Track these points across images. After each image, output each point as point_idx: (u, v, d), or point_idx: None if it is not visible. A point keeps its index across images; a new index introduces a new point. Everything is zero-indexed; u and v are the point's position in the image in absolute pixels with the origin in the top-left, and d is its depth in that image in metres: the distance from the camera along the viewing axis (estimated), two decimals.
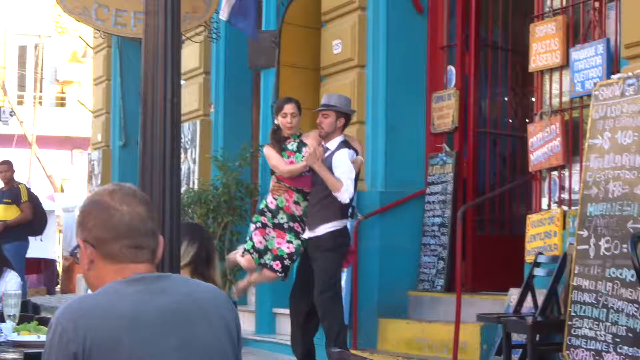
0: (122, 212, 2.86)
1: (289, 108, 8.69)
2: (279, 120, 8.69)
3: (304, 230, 8.52)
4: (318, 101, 10.80)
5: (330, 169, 8.33)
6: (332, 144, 8.47)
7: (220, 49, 12.98)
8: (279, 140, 8.69)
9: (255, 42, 11.22)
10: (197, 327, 2.83)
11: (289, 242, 8.57)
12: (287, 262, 8.59)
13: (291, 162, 8.57)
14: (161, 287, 2.84)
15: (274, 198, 8.61)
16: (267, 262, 8.59)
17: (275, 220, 8.59)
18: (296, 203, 8.57)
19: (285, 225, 8.57)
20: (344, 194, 8.26)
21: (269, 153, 8.72)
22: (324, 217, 8.35)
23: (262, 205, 8.78)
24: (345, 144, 8.49)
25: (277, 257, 8.58)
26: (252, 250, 8.60)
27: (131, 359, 2.71)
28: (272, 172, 8.77)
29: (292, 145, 8.65)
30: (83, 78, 29.71)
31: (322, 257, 8.32)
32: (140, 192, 2.98)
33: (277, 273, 8.61)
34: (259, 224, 8.62)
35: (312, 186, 8.54)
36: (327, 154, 8.43)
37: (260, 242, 8.59)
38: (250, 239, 8.64)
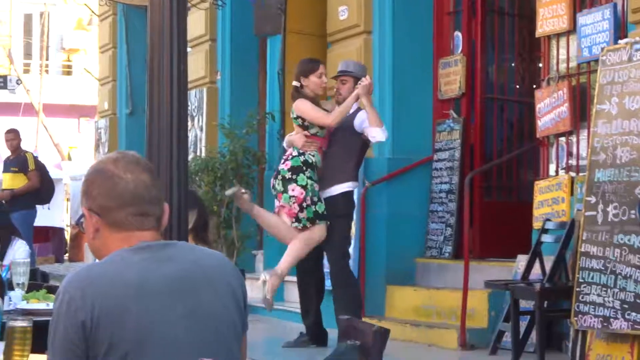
0: (127, 180, 2.85)
1: (323, 68, 8.59)
2: (311, 81, 8.43)
3: None
4: (325, 68, 10.78)
5: (350, 128, 8.35)
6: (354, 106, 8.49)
7: (226, 16, 12.93)
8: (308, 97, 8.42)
9: (258, 7, 11.19)
10: (203, 295, 2.83)
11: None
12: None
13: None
14: (167, 255, 2.84)
15: (311, 154, 8.29)
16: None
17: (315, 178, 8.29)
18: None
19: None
20: (384, 132, 8.30)
21: (305, 106, 8.35)
22: (340, 177, 8.33)
23: (297, 162, 8.28)
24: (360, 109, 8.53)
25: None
26: (305, 217, 8.21)
27: (138, 327, 2.71)
28: (304, 127, 8.37)
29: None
30: (89, 46, 29.66)
31: (337, 222, 8.29)
32: (144, 159, 2.97)
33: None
34: (299, 189, 8.21)
35: (328, 146, 8.46)
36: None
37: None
38: (318, 200, 8.24)
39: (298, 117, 8.41)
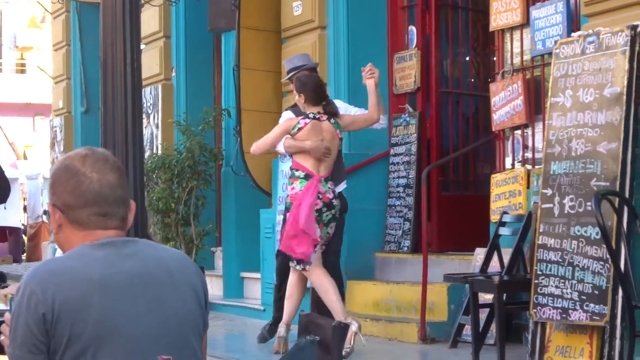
0: (92, 180, 2.84)
1: None
2: None
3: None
4: (279, 63, 10.75)
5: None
6: None
7: (180, 12, 12.87)
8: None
9: (212, 3, 11.14)
10: (165, 292, 2.83)
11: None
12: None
13: None
14: (129, 252, 2.84)
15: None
16: None
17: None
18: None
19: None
20: (383, 120, 8.43)
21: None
22: (342, 174, 8.27)
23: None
24: None
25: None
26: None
27: (100, 321, 2.71)
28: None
29: None
30: (42, 44, 29.43)
31: (340, 218, 8.22)
32: (113, 157, 2.95)
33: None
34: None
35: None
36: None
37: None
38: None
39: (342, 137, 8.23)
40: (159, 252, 2.93)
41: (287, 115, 8.37)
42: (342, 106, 8.46)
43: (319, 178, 7.88)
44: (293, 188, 7.92)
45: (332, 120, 8.02)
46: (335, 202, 7.94)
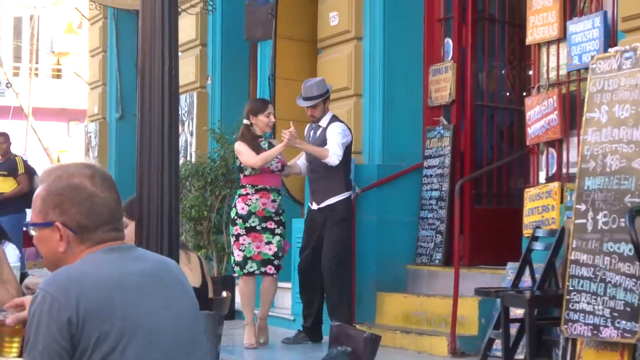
0: (105, 200, 2.94)
1: (271, 108, 9.17)
2: (259, 120, 9.01)
3: (278, 225, 8.95)
4: (315, 73, 10.78)
5: (321, 143, 8.86)
6: (324, 121, 9.03)
7: (217, 21, 12.93)
8: (255, 138, 8.98)
9: (249, 12, 11.19)
10: (173, 290, 2.95)
11: (269, 242, 8.93)
12: (276, 262, 8.97)
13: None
14: (136, 255, 2.96)
15: (245, 204, 8.90)
16: (253, 270, 8.91)
17: (247, 225, 8.90)
18: (273, 201, 8.99)
19: (258, 227, 8.92)
20: (332, 158, 8.80)
21: (241, 148, 8.93)
22: (332, 189, 8.87)
23: (232, 214, 9.03)
24: (336, 118, 9.09)
25: (265, 262, 8.94)
26: (234, 266, 8.98)
27: (125, 318, 2.79)
28: (240, 171, 9.07)
29: (264, 144, 9.10)
30: (79, 49, 29.61)
31: (337, 226, 8.88)
32: (109, 173, 3.06)
33: (273, 275, 9.00)
34: (233, 238, 8.97)
35: (310, 162, 9.00)
36: (319, 131, 9.00)
37: (239, 255, 8.93)
38: (231, 254, 9.04)
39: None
40: (157, 256, 3.08)
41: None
42: (330, 134, 8.96)
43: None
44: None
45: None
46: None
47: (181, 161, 12.40)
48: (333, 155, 8.79)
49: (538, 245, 7.79)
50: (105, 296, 2.79)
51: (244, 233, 8.90)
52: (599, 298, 6.77)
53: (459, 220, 8.92)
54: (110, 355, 2.76)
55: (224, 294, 11.42)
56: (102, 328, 2.75)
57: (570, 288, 6.98)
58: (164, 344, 2.85)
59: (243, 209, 8.92)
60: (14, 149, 14.48)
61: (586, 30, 7.85)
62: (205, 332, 3.79)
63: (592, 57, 7.42)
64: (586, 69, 7.58)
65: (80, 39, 28.69)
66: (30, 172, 14.09)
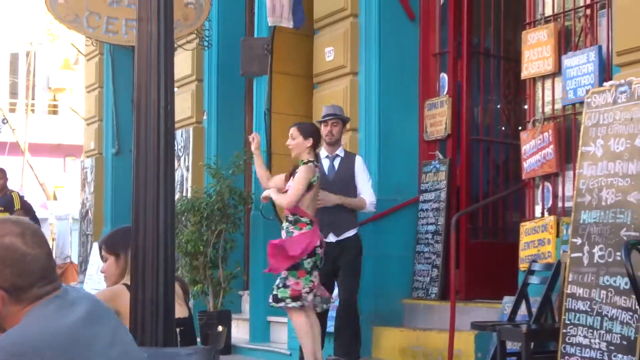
0: (37, 256, 2.89)
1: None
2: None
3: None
4: (311, 109, 10.82)
5: (345, 174, 8.87)
6: (340, 151, 9.08)
7: (213, 56, 12.98)
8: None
9: (245, 47, 11.24)
10: (109, 323, 2.96)
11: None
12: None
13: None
14: (71, 300, 2.92)
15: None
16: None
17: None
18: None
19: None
20: (370, 207, 8.99)
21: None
22: (350, 221, 8.88)
23: (317, 259, 8.30)
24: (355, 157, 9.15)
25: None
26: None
27: None
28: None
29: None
30: (75, 85, 29.67)
31: (355, 259, 8.84)
32: (37, 227, 3.01)
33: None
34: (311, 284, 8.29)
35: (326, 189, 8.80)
36: (338, 161, 8.99)
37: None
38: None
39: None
40: (85, 292, 3.06)
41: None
42: (360, 168, 9.01)
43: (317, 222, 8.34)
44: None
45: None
46: (319, 250, 8.22)
47: (177, 196, 12.41)
48: (370, 205, 8.93)
49: (534, 279, 7.79)
50: (63, 354, 2.76)
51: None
52: (595, 332, 6.76)
53: (455, 254, 8.92)
54: None
55: (220, 328, 11.46)
56: None
57: (567, 322, 6.97)
58: None
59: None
60: (10, 185, 14.47)
61: (581, 64, 7.88)
62: None
63: (587, 91, 7.44)
64: (581, 103, 7.60)
65: (76, 75, 28.76)
66: (26, 207, 14.07)
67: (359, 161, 9.04)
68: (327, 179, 8.85)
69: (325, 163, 9.02)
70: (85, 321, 2.87)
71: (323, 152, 9.05)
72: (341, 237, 8.81)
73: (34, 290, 2.87)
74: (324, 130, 8.98)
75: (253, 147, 8.75)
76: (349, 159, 9.03)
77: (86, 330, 2.85)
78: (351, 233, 8.85)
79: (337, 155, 9.01)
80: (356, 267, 8.80)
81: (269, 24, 10.75)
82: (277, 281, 8.33)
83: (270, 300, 8.38)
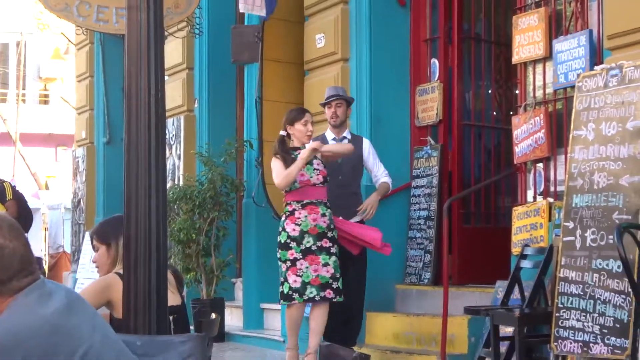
0: (15, 249, 2.93)
1: (309, 116, 8.53)
2: (296, 129, 8.43)
3: (333, 242, 8.28)
4: (301, 95, 10.81)
5: (353, 156, 8.70)
6: (347, 133, 9.01)
7: (203, 45, 12.96)
8: (287, 151, 8.39)
9: (236, 35, 11.22)
10: (87, 311, 2.99)
11: (326, 264, 8.20)
12: (335, 284, 8.21)
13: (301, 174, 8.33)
14: (48, 290, 2.95)
15: (296, 224, 8.22)
16: (313, 295, 8.17)
17: (302, 247, 8.20)
18: (323, 215, 8.32)
19: (314, 248, 8.22)
20: (389, 179, 9.01)
21: (273, 165, 8.39)
22: (358, 204, 8.84)
23: (283, 238, 8.25)
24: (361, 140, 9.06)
25: (323, 286, 8.19)
26: (291, 292, 8.17)
27: (73, 353, 2.83)
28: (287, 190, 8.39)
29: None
30: (66, 75, 29.61)
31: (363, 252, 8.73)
32: (13, 220, 3.02)
33: (334, 299, 8.21)
34: (288, 263, 8.18)
35: (339, 177, 8.77)
36: (345, 142, 8.79)
37: (295, 281, 8.17)
38: (285, 280, 8.20)
39: None
40: (59, 284, 3.07)
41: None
42: (370, 151, 8.99)
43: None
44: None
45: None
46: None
47: (169, 184, 12.39)
48: (391, 184, 9.07)
49: (527, 263, 7.80)
50: (46, 343, 2.80)
51: (301, 257, 8.16)
52: (588, 315, 6.77)
53: (448, 239, 8.93)
54: None
55: (213, 315, 11.47)
56: None
57: (560, 305, 6.98)
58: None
59: (294, 230, 8.19)
60: (1, 175, 14.43)
61: (572, 48, 7.88)
62: (195, 353, 3.79)
63: (578, 75, 7.43)
64: (572, 87, 7.60)
65: (67, 64, 28.70)
66: (18, 198, 14.04)
67: (366, 144, 9.00)
68: (336, 162, 8.72)
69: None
70: (65, 310, 2.90)
71: (329, 134, 9.02)
72: (351, 221, 8.75)
73: (14, 283, 2.90)
74: (328, 112, 8.98)
75: (306, 155, 8.29)
76: (356, 141, 8.95)
77: (67, 319, 2.88)
78: (359, 217, 8.82)
79: (344, 137, 8.93)
80: (365, 252, 8.75)
81: (240, 11, 10.69)
82: (281, 278, 8.25)
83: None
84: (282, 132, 8.45)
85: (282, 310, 10.57)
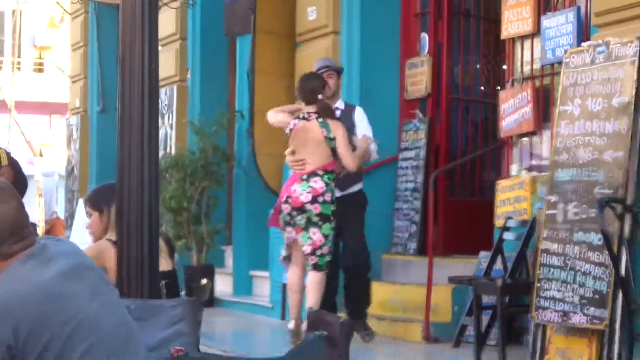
0: (3, 212, 2.84)
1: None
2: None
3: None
4: (293, 67, 10.81)
5: (348, 126, 8.33)
6: (340, 103, 8.66)
7: (197, 15, 12.92)
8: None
9: (228, 7, 11.18)
10: (94, 283, 2.94)
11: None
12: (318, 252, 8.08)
13: None
14: (49, 256, 2.88)
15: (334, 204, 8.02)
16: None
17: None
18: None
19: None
20: (374, 153, 8.49)
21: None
22: (356, 176, 8.38)
23: (330, 211, 8.00)
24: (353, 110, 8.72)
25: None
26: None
27: (63, 324, 2.77)
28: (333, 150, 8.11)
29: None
30: (61, 43, 29.49)
31: (360, 212, 8.45)
32: (5, 181, 2.94)
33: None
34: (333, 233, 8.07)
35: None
36: (339, 114, 8.48)
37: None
38: (330, 251, 8.07)
39: (334, 138, 8.10)
40: (66, 246, 3.01)
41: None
42: (360, 119, 8.56)
43: (298, 175, 8.01)
44: None
45: (320, 120, 8.06)
46: (310, 206, 7.93)
47: (161, 153, 12.39)
48: (374, 151, 8.50)
49: (510, 235, 7.84)
50: (39, 310, 2.74)
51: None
52: (568, 286, 6.82)
53: (433, 211, 8.96)
54: (60, 358, 2.75)
55: (204, 281, 11.52)
56: (43, 340, 2.73)
57: (541, 276, 7.03)
58: (105, 337, 2.84)
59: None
60: None
61: (560, 25, 7.89)
62: (186, 317, 3.82)
63: (566, 52, 7.45)
64: (560, 63, 7.61)
65: (62, 33, 28.59)
66: (13, 164, 14.01)
67: (358, 111, 8.64)
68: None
69: None
70: (62, 277, 2.84)
71: (340, 103, 8.75)
72: (346, 192, 8.41)
73: (4, 249, 2.83)
74: None
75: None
76: (349, 109, 8.66)
77: (62, 286, 2.82)
78: (356, 188, 8.48)
79: (337, 108, 8.62)
80: (362, 219, 8.45)
81: None
82: (326, 248, 8.08)
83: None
84: (320, 97, 8.19)
85: (271, 277, 10.63)
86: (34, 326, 2.72)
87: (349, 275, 8.49)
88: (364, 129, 8.50)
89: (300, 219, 7.95)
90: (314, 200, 7.94)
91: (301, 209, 7.94)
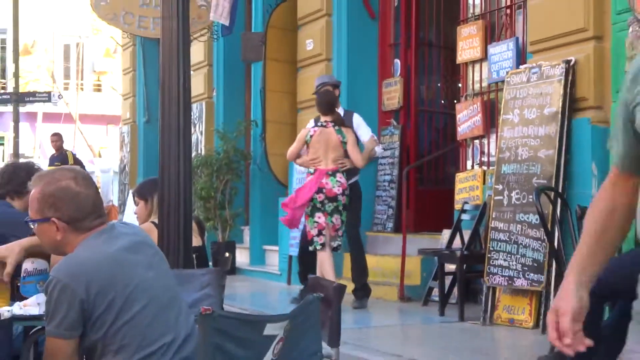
0: (88, 195, 2.89)
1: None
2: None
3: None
4: (295, 86, 10.76)
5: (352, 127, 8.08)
6: (340, 110, 8.33)
7: (220, 47, 12.87)
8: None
9: (244, 39, 11.13)
10: (151, 257, 2.94)
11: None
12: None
13: None
14: (116, 234, 2.92)
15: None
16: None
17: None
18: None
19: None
20: (376, 143, 8.18)
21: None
22: (354, 169, 8.01)
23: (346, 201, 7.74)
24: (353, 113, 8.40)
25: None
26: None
27: (125, 285, 2.79)
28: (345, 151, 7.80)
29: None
30: (115, 69, 29.40)
31: (357, 203, 8.10)
32: (87, 173, 3.02)
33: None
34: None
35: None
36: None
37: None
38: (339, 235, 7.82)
39: (346, 142, 7.80)
40: (131, 229, 3.03)
41: (310, 125, 8.24)
42: (359, 122, 8.22)
43: (324, 172, 7.79)
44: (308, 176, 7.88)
45: (337, 128, 7.91)
46: (341, 197, 7.70)
47: (193, 154, 12.34)
48: (375, 141, 8.15)
49: (466, 216, 7.80)
50: (107, 274, 2.77)
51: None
52: (512, 256, 6.78)
53: (406, 198, 8.91)
54: (120, 314, 2.76)
55: (227, 254, 11.45)
56: (109, 297, 2.75)
57: (491, 249, 6.99)
58: (156, 297, 2.85)
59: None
60: (65, 146, 14.38)
61: (502, 52, 7.85)
62: (212, 283, 3.77)
63: (507, 73, 7.41)
64: (502, 81, 7.58)
65: (115, 61, 28.50)
66: (78, 163, 14.01)
67: (356, 116, 8.28)
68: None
69: None
70: (127, 250, 2.88)
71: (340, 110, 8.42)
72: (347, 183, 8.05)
73: (86, 223, 2.88)
74: None
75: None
76: (348, 115, 8.31)
77: (127, 256, 2.86)
78: (354, 179, 8.16)
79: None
80: (358, 208, 8.13)
81: (210, 19, 10.38)
82: (340, 232, 7.82)
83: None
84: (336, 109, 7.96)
85: (279, 250, 10.58)
86: (102, 286, 2.74)
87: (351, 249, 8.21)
88: (365, 130, 8.20)
89: (330, 206, 7.68)
90: (342, 193, 7.74)
91: (334, 199, 7.68)
